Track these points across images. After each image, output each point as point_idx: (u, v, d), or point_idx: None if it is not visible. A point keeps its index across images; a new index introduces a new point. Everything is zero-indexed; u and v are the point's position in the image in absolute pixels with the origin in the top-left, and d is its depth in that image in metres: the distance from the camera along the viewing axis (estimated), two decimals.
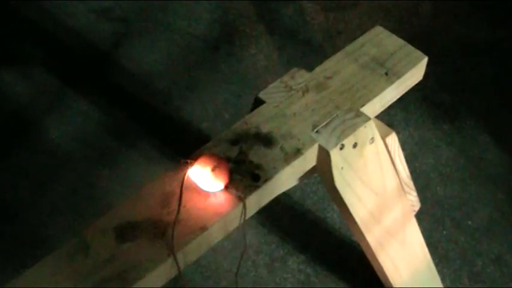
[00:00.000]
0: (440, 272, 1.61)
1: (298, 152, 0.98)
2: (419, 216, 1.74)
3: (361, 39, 1.17)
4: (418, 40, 2.21)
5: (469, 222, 1.76)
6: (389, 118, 1.98)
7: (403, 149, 1.91)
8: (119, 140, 1.98)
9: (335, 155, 1.00)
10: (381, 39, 1.17)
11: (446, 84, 2.09)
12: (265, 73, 2.14)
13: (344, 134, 1.00)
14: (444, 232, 1.74)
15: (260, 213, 1.77)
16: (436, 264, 1.63)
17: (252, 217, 1.73)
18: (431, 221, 1.76)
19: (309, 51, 2.22)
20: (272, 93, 1.07)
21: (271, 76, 2.09)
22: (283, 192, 1.80)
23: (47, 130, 2.00)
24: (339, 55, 1.14)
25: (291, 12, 2.36)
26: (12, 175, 1.90)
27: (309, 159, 1.01)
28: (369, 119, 1.03)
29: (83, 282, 0.86)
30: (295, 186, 1.76)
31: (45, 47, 2.27)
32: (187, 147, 1.01)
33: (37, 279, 0.87)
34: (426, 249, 1.38)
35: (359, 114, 1.03)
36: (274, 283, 1.67)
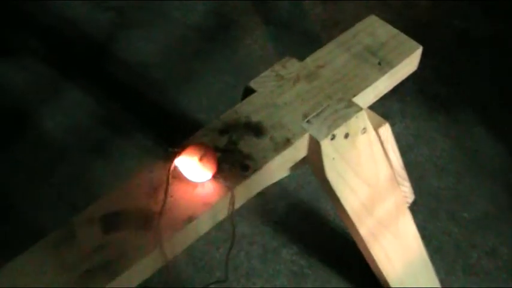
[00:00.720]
0: (434, 263, 1.59)
1: (288, 142, 0.97)
2: (414, 208, 1.73)
3: (354, 29, 1.15)
4: (415, 32, 2.19)
5: (464, 214, 1.75)
6: (385, 109, 1.97)
7: (399, 141, 1.91)
8: (113, 131, 1.97)
9: (326, 145, 0.98)
10: (374, 29, 1.15)
11: (443, 76, 2.07)
12: (261, 64, 2.13)
13: (335, 124, 0.99)
14: (439, 224, 1.73)
15: (254, 203, 1.77)
16: (431, 256, 1.62)
17: (245, 207, 1.73)
18: (426, 212, 1.75)
19: (306, 41, 2.21)
20: (263, 82, 1.06)
21: (266, 67, 2.07)
22: (278, 183, 1.80)
23: (42, 121, 1.99)
24: (331, 44, 1.12)
25: (287, 2, 2.35)
26: (7, 166, 1.89)
27: (299, 149, 0.99)
28: (360, 109, 1.01)
29: (68, 271, 0.85)
30: (289, 177, 1.78)
31: (40, 37, 2.26)
32: (182, 139, 1.00)
33: (23, 269, 0.86)
34: (420, 241, 1.37)
35: (351, 104, 1.02)
36: (267, 274, 1.66)
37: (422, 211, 1.75)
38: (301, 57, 1.10)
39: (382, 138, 1.10)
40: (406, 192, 1.24)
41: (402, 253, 1.35)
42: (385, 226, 1.24)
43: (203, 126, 1.00)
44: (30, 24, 2.30)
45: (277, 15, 2.31)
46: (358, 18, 1.15)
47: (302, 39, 2.22)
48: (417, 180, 1.81)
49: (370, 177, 1.12)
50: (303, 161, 1.04)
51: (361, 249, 1.31)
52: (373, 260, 1.31)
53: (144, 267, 0.88)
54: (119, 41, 2.23)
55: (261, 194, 1.75)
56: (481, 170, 1.84)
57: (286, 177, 1.76)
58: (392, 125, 1.91)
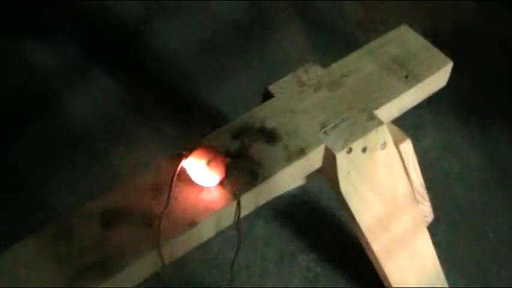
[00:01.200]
0: (452, 278, 1.55)
1: (301, 152, 0.93)
2: (439, 222, 1.68)
3: (384, 37, 1.11)
4: (455, 39, 2.16)
5: (488, 230, 1.69)
6: (417, 119, 1.91)
7: (428, 152, 1.87)
8: (139, 119, 1.96)
9: (341, 158, 0.95)
10: (405, 39, 1.10)
11: (479, 86, 2.01)
12: (295, 61, 2.09)
13: (353, 137, 0.95)
14: (461, 238, 1.68)
15: (274, 206, 1.74)
16: (449, 270, 1.58)
17: (265, 209, 1.71)
18: (448, 225, 1.70)
19: (341, 41, 2.16)
20: (283, 87, 1.03)
21: (299, 65, 2.04)
22: (300, 187, 1.77)
23: (69, 104, 1.99)
24: (359, 52, 1.08)
25: (329, 6, 2.29)
26: (29, 146, 1.89)
27: (313, 161, 0.96)
28: (381, 123, 0.97)
29: (63, 265, 0.84)
30: (312, 180, 1.74)
31: (75, 21, 2.26)
32: (207, 132, 0.98)
33: (17, 258, 0.85)
34: (437, 261, 1.32)
35: (372, 117, 0.98)
36: (281, 278, 1.63)
37: (445, 223, 1.70)
38: (336, 57, 1.06)
39: (403, 154, 1.05)
40: (425, 212, 1.19)
41: (417, 273, 1.30)
42: (400, 244, 1.20)
43: (230, 120, 0.97)
44: (66, 7, 2.30)
45: (314, 13, 2.26)
46: (397, 20, 1.11)
47: (338, 39, 2.17)
48: (443, 192, 1.75)
49: (387, 194, 1.08)
50: (319, 171, 1.00)
51: (375, 265, 1.27)
52: (386, 278, 1.27)
53: (139, 269, 0.86)
54: (154, 30, 2.21)
55: (280, 197, 1.73)
56: (509, 184, 1.77)
57: (309, 180, 1.76)
58: (424, 136, 1.88)
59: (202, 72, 2.09)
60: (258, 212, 1.74)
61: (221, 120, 1.90)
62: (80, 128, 1.93)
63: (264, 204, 1.77)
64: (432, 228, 1.64)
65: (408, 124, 1.92)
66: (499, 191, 1.77)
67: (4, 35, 2.20)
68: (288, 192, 1.03)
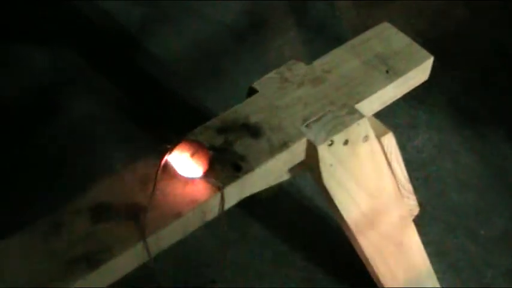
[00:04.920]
0: (447, 280, 1.56)
1: (284, 145, 0.96)
2: (431, 222, 1.70)
3: (366, 34, 1.14)
4: (449, 42, 2.18)
5: (482, 232, 1.70)
6: (411, 119, 1.93)
7: (422, 152, 1.89)
8: (137, 123, 1.99)
9: (323, 150, 0.97)
10: (387, 36, 1.13)
11: (473, 89, 2.02)
12: None
13: (334, 130, 0.98)
14: (455, 240, 1.69)
15: (269, 205, 1.76)
16: (444, 272, 1.59)
17: (260, 208, 1.72)
18: (443, 227, 1.71)
19: (337, 46, 2.18)
20: (266, 83, 1.05)
21: None
22: (294, 186, 1.79)
23: (67, 108, 2.02)
24: (341, 48, 1.11)
25: (322, 6, 2.32)
26: (28, 153, 1.91)
27: (296, 153, 0.98)
28: (362, 116, 0.99)
29: (52, 258, 0.86)
30: (305, 180, 1.76)
31: (73, 26, 2.29)
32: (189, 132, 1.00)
33: (7, 251, 0.87)
34: (425, 255, 1.34)
35: (353, 111, 1.00)
36: (277, 277, 1.65)
37: (440, 226, 1.71)
38: None
39: (386, 148, 1.08)
40: (411, 205, 1.21)
41: (406, 267, 1.32)
42: (387, 239, 1.22)
43: None
44: (64, 12, 2.33)
45: (310, 18, 2.29)
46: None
47: (333, 44, 2.18)
48: (437, 194, 1.76)
49: (372, 188, 1.10)
50: (302, 165, 1.03)
51: (363, 261, 1.29)
52: (375, 273, 1.29)
53: (126, 261, 0.88)
54: (151, 35, 2.24)
55: (276, 197, 1.74)
56: (504, 187, 1.78)
57: (302, 180, 1.77)
58: (416, 136, 1.90)
59: (199, 76, 2.11)
60: (254, 212, 1.76)
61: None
62: (78, 132, 1.96)
63: (259, 205, 1.78)
64: (425, 227, 1.66)
65: (402, 124, 1.94)
66: (493, 192, 1.78)
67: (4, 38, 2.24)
68: (273, 187, 1.05)
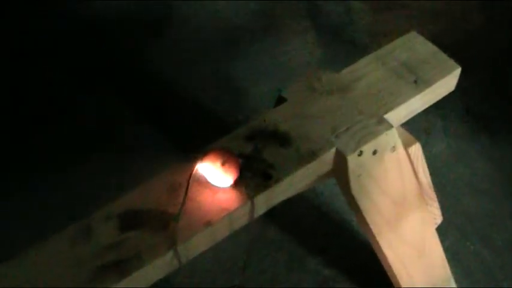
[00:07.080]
0: (462, 284, 1.56)
1: (313, 155, 0.96)
2: (447, 228, 1.69)
3: (393, 44, 1.13)
4: (465, 48, 2.18)
5: (498, 239, 1.70)
6: (428, 125, 1.93)
7: (438, 159, 1.88)
8: (149, 126, 1.98)
9: (352, 161, 0.97)
10: (414, 45, 1.13)
11: (491, 95, 2.02)
12: (307, 69, 2.11)
13: (363, 140, 0.97)
14: (471, 247, 1.69)
15: (285, 210, 1.76)
16: (459, 279, 1.59)
17: (276, 213, 1.72)
18: (458, 234, 1.71)
19: (353, 50, 2.18)
20: (295, 92, 1.05)
21: (311, 70, 2.06)
22: (311, 191, 1.79)
23: (77, 111, 2.02)
24: (368, 58, 1.11)
25: (338, 10, 2.33)
26: (31, 161, 1.90)
27: (324, 163, 0.98)
28: (391, 126, 0.99)
29: (81, 266, 0.86)
30: (323, 184, 1.75)
31: (85, 30, 2.29)
32: (221, 137, 1.00)
33: (36, 258, 0.88)
34: (446, 263, 1.34)
35: (382, 121, 1.00)
36: (291, 282, 1.65)
37: (455, 232, 1.71)
38: (347, 66, 1.08)
39: (412, 157, 1.07)
40: (434, 213, 1.21)
41: (426, 273, 1.32)
42: (409, 244, 1.21)
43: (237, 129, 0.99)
44: (73, 16, 2.33)
45: (327, 21, 2.29)
46: (408, 30, 1.13)
47: (349, 48, 2.19)
48: (453, 200, 1.77)
49: (397, 195, 1.10)
50: (329, 174, 1.03)
51: (385, 267, 1.29)
52: (395, 277, 1.29)
53: (156, 269, 0.88)
54: (167, 35, 2.24)
55: (293, 200, 1.74)
56: None
57: (321, 185, 1.77)
58: (433, 142, 1.90)
59: (214, 79, 2.11)
60: (270, 216, 1.76)
61: (230, 125, 1.93)
62: (88, 135, 1.95)
63: (275, 209, 1.79)
64: (441, 234, 1.66)
65: (418, 129, 1.94)
66: (507, 199, 1.78)
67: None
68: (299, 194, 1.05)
